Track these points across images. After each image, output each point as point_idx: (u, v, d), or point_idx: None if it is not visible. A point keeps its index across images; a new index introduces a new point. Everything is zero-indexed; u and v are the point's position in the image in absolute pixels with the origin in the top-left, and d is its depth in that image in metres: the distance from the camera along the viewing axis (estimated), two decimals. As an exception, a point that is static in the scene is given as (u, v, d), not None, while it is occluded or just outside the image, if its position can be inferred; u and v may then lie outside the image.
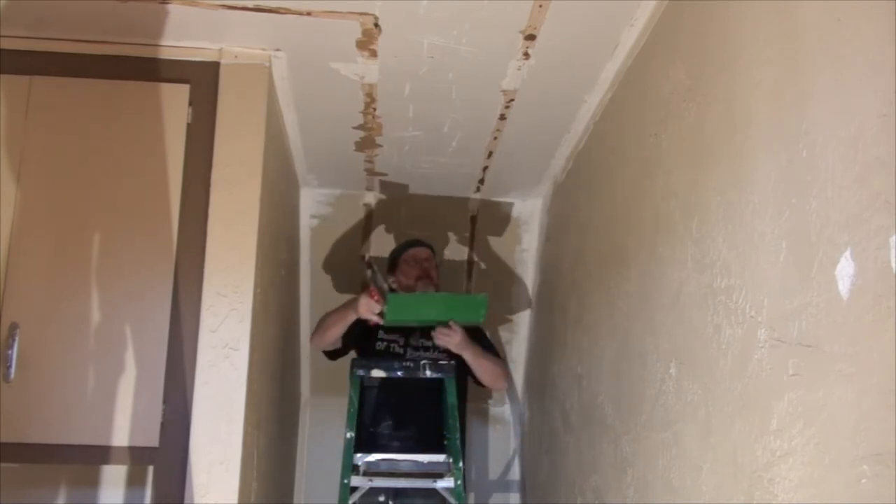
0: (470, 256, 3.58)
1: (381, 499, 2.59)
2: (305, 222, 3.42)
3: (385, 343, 2.88)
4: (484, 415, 3.69)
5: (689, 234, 1.62)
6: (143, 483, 2.49)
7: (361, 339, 2.86)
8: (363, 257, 3.34)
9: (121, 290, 2.04)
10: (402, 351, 2.87)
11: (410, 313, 2.67)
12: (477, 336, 2.91)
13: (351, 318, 2.69)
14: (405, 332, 2.90)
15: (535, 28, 2.04)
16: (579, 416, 2.50)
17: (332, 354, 2.96)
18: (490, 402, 3.71)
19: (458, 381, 2.63)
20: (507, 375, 2.93)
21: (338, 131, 2.75)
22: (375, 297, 2.60)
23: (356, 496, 2.47)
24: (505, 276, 3.60)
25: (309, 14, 1.99)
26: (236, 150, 2.14)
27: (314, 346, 2.95)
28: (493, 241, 3.56)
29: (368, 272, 2.89)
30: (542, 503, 3.02)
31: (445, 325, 2.68)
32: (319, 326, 2.83)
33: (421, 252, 3.03)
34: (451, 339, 2.68)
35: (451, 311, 2.66)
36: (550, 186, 3.22)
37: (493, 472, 3.68)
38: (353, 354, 2.92)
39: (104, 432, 1.97)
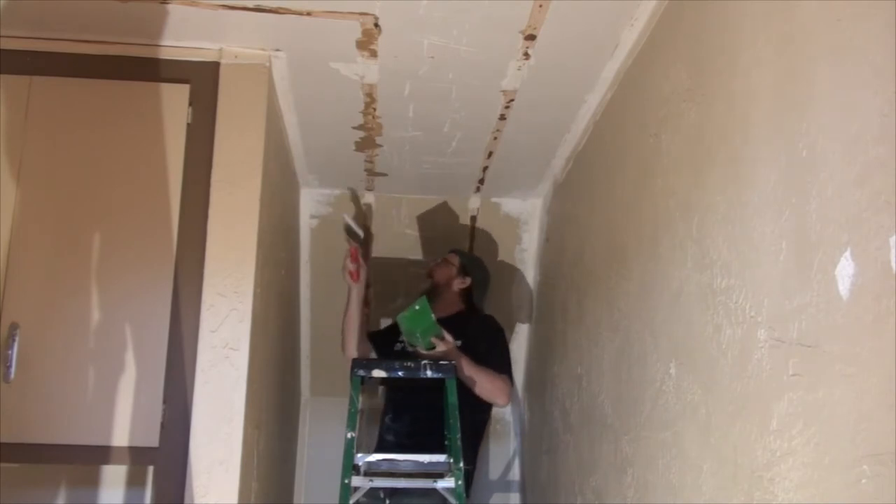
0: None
1: (381, 496, 2.59)
2: (305, 222, 3.42)
3: (402, 345, 2.93)
4: (484, 415, 3.69)
5: (689, 234, 1.62)
6: (143, 483, 2.49)
7: (382, 342, 3.04)
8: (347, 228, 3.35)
9: (121, 290, 2.04)
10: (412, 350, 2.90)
11: (413, 338, 2.68)
12: (485, 343, 2.92)
13: (353, 299, 2.93)
14: None
15: (535, 28, 2.04)
16: (579, 416, 2.50)
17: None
18: (490, 402, 3.71)
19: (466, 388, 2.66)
20: (505, 391, 2.86)
21: (338, 131, 2.75)
22: (353, 259, 2.85)
23: (357, 496, 2.47)
24: (505, 276, 3.60)
25: (309, 14, 2.00)
26: (236, 150, 2.14)
27: (348, 356, 3.00)
28: (493, 241, 3.56)
29: (346, 226, 2.97)
30: (542, 503, 3.02)
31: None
32: (342, 334, 3.03)
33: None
34: (434, 353, 2.69)
35: (416, 325, 2.65)
36: (550, 186, 3.22)
37: (493, 472, 3.68)
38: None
39: (104, 432, 1.97)
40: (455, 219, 3.52)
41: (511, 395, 2.99)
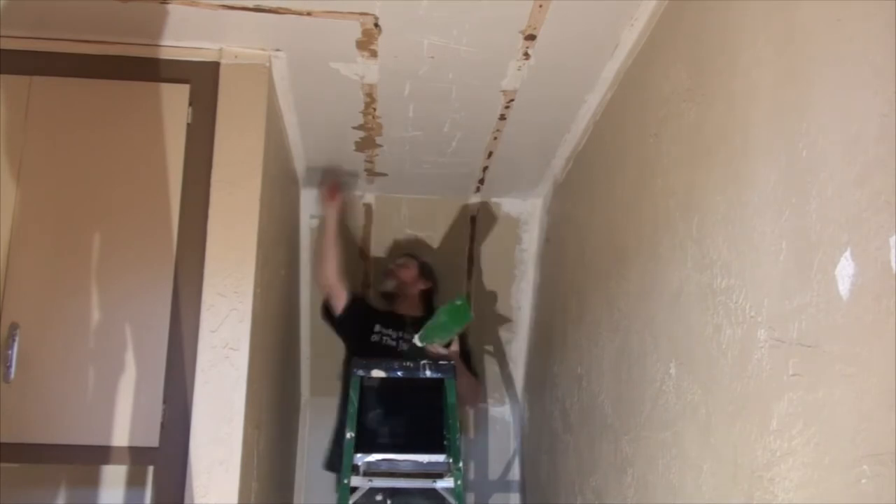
0: (470, 256, 3.58)
1: (379, 498, 2.60)
2: (305, 222, 3.42)
3: (379, 336, 2.98)
4: (484, 415, 3.69)
5: (689, 234, 1.62)
6: (143, 483, 2.49)
7: (356, 329, 3.01)
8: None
9: (121, 290, 2.04)
10: (394, 343, 2.96)
11: (442, 332, 2.74)
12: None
13: (330, 224, 2.99)
14: (398, 325, 3.03)
15: (535, 28, 2.04)
16: (579, 416, 2.50)
17: (331, 318, 3.06)
18: (490, 401, 3.72)
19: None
20: (479, 395, 3.07)
21: (338, 131, 2.75)
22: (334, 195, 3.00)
23: (356, 496, 2.47)
24: (505, 276, 3.60)
25: (309, 14, 1.99)
26: (236, 150, 2.14)
27: (321, 285, 3.08)
28: (493, 242, 3.56)
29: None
30: (542, 503, 3.02)
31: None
32: (316, 261, 3.08)
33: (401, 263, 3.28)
34: (448, 350, 2.79)
35: (456, 321, 2.72)
36: (550, 186, 3.22)
37: (493, 472, 3.68)
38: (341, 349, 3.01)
39: (104, 432, 1.96)
40: (455, 215, 3.53)
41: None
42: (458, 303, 2.68)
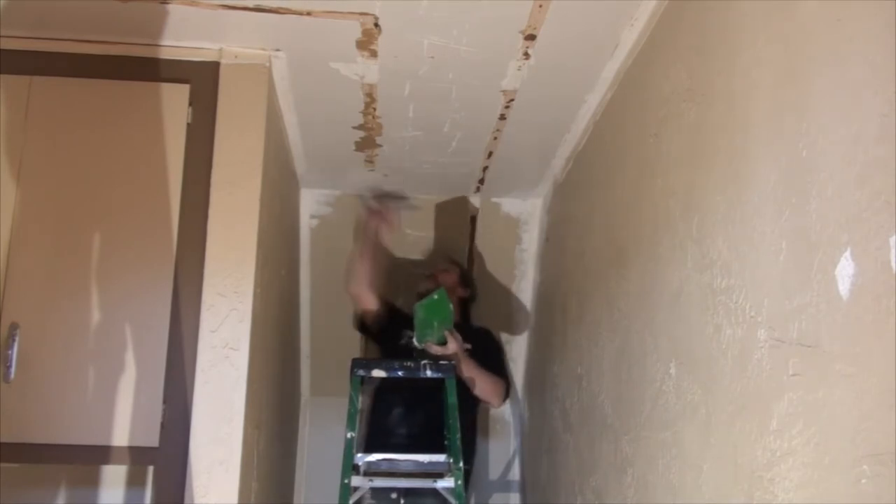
0: (470, 257, 3.59)
1: (394, 496, 2.60)
2: (305, 222, 3.42)
3: (407, 339, 2.97)
4: (484, 414, 3.69)
5: (689, 234, 1.62)
6: (143, 483, 2.49)
7: (390, 336, 3.04)
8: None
9: (121, 291, 2.04)
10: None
11: (428, 329, 2.73)
12: (486, 350, 2.99)
13: (370, 240, 2.92)
14: None
15: (535, 28, 2.04)
16: (579, 416, 2.50)
17: (367, 330, 3.10)
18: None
19: (465, 388, 2.71)
20: (502, 393, 3.02)
21: (338, 131, 2.75)
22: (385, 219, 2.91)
23: (356, 496, 2.47)
24: (505, 277, 3.60)
25: (309, 14, 2.00)
26: (236, 150, 2.14)
27: (352, 295, 3.05)
28: (493, 242, 3.56)
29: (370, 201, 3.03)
30: (542, 503, 3.02)
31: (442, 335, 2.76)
32: (350, 274, 3.01)
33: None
34: (446, 348, 2.76)
35: (434, 315, 2.70)
36: (550, 186, 3.22)
37: (493, 472, 3.68)
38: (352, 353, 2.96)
39: (104, 432, 1.96)
40: (455, 215, 3.53)
41: (504, 398, 3.09)
42: (436, 297, 2.66)
